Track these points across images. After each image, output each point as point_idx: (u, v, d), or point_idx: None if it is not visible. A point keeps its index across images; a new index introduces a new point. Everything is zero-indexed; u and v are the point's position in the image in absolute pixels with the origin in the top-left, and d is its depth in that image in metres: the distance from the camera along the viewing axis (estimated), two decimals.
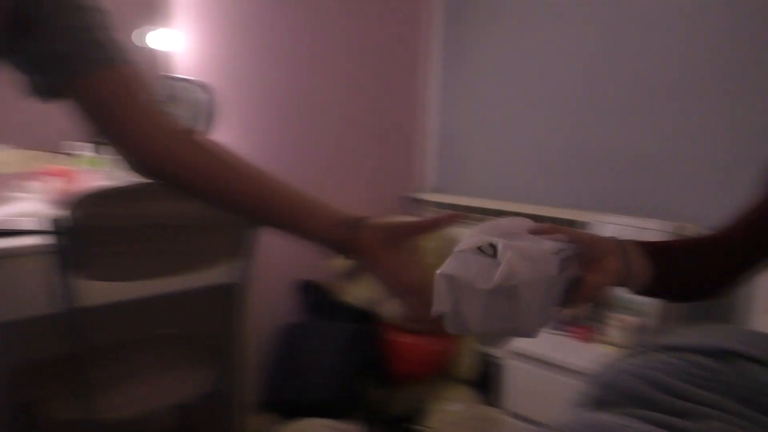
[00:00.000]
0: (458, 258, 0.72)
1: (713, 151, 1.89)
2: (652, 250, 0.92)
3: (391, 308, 2.23)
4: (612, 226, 2.00)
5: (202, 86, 1.92)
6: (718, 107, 1.87)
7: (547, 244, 0.75)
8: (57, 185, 1.66)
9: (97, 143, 1.76)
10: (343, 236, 0.83)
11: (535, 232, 0.79)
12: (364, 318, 2.21)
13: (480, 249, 0.72)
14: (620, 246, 0.87)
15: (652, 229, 1.91)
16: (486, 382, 2.24)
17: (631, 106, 2.06)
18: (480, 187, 2.52)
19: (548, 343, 1.94)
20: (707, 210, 1.90)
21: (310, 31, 2.31)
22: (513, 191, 2.40)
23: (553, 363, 1.83)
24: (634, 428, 0.89)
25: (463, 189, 2.58)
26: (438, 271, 0.71)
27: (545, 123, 2.29)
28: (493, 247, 0.71)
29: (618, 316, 1.85)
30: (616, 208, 2.08)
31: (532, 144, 2.34)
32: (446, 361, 2.33)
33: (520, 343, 1.97)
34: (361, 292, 2.29)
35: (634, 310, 1.90)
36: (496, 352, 2.29)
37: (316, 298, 2.34)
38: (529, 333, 0.74)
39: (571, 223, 2.15)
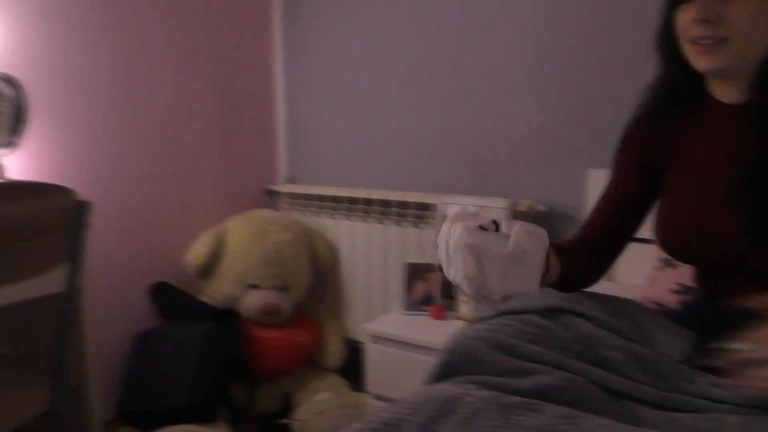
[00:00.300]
0: (472, 233, 0.84)
1: (542, 132, 2.04)
2: (557, 251, 1.03)
3: (248, 304, 2.19)
4: (456, 206, 2.11)
5: (7, 80, 1.73)
6: (545, 90, 2.02)
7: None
8: None
9: None
10: None
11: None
12: (222, 317, 2.16)
13: (482, 227, 0.85)
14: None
15: (492, 207, 2.03)
16: (352, 368, 2.28)
17: (470, 91, 2.16)
18: (331, 176, 2.54)
19: (404, 324, 2.02)
20: (538, 187, 2.05)
21: (145, 24, 2.17)
22: (363, 178, 2.44)
23: (410, 343, 1.91)
24: (471, 395, 0.96)
25: (315, 179, 2.59)
26: (464, 242, 0.83)
27: (390, 110, 2.35)
28: (496, 224, 0.86)
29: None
30: (459, 189, 2.19)
31: (378, 131, 2.39)
32: (311, 352, 2.35)
33: (377, 326, 2.02)
34: (217, 290, 2.23)
35: None
36: (358, 336, 2.34)
37: (170, 300, 2.24)
38: (534, 290, 0.87)
39: (421, 205, 2.23)
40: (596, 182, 1.85)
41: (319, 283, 2.48)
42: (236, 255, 2.23)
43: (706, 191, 0.99)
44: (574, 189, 1.96)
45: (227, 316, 2.17)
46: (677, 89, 1.03)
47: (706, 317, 1.02)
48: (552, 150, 2.03)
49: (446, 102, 2.22)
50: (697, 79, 1.01)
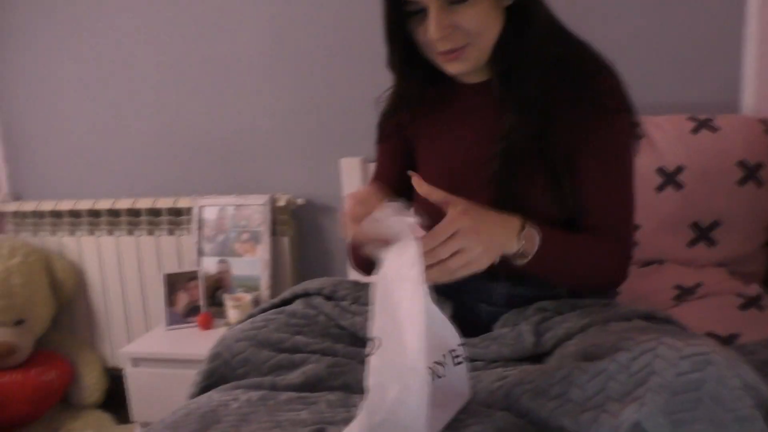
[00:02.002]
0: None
1: (294, 125, 2.02)
2: None
3: None
4: (213, 208, 2.00)
5: None
6: (293, 83, 2.00)
7: None
8: None
9: None
10: None
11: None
12: None
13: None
14: None
15: (251, 205, 1.96)
16: (117, 399, 2.04)
17: (217, 86, 2.06)
18: (66, 188, 2.23)
19: (169, 341, 1.86)
20: (295, 180, 2.04)
21: None
22: (105, 187, 2.19)
23: (177, 359, 1.76)
24: (238, 400, 0.90)
25: (46, 193, 2.25)
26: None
27: (129, 110, 2.14)
28: None
29: (232, 296, 1.87)
30: (215, 190, 2.08)
31: (117, 134, 2.16)
32: (64, 390, 2.05)
33: (138, 348, 1.83)
34: None
35: (247, 286, 1.94)
36: (120, 363, 2.11)
37: None
38: None
39: (174, 211, 2.07)
40: (349, 171, 1.88)
41: (63, 310, 2.17)
42: None
43: (460, 165, 1.05)
44: (329, 179, 1.98)
45: None
46: (418, 85, 1.08)
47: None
48: (305, 142, 2.02)
49: (192, 99, 2.09)
50: (433, 72, 1.05)
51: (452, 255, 0.77)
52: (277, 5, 1.96)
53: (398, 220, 0.78)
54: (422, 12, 0.94)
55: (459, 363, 0.82)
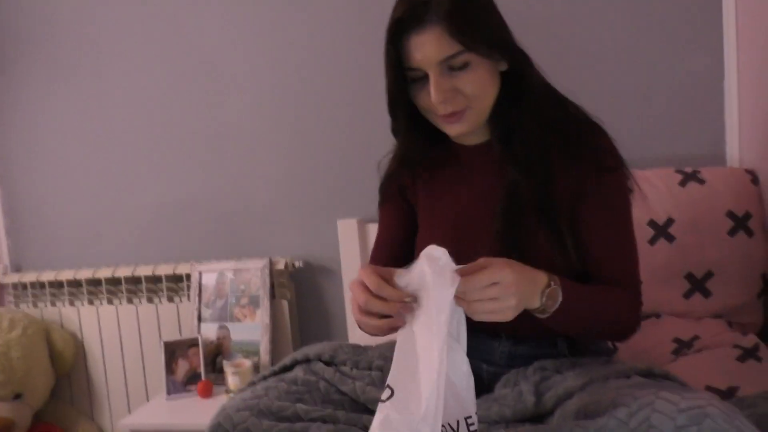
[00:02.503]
0: None
1: (290, 189, 2.05)
2: None
3: None
4: (211, 273, 2.01)
5: None
6: (290, 147, 2.04)
7: None
8: None
9: None
10: None
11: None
12: None
13: None
14: None
15: (250, 269, 1.98)
16: None
17: (213, 152, 2.10)
18: (66, 257, 2.24)
19: (168, 411, 1.84)
20: (293, 243, 2.06)
21: None
22: (104, 256, 2.20)
23: (177, 430, 1.73)
24: None
25: (46, 263, 2.26)
26: None
27: (127, 179, 2.18)
28: None
29: (232, 362, 1.86)
30: (214, 255, 2.10)
31: (116, 203, 2.19)
32: None
33: (137, 419, 1.81)
34: None
35: (247, 351, 1.93)
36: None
37: None
38: None
39: (174, 277, 2.08)
40: (347, 232, 1.91)
41: (62, 381, 2.16)
42: None
43: (463, 225, 1.08)
44: (326, 241, 1.99)
45: None
46: (421, 148, 1.12)
47: None
48: (302, 205, 2.05)
49: (190, 166, 2.13)
50: (435, 135, 1.09)
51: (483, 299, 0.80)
52: (274, 71, 2.03)
53: (435, 264, 0.78)
54: (424, 78, 0.98)
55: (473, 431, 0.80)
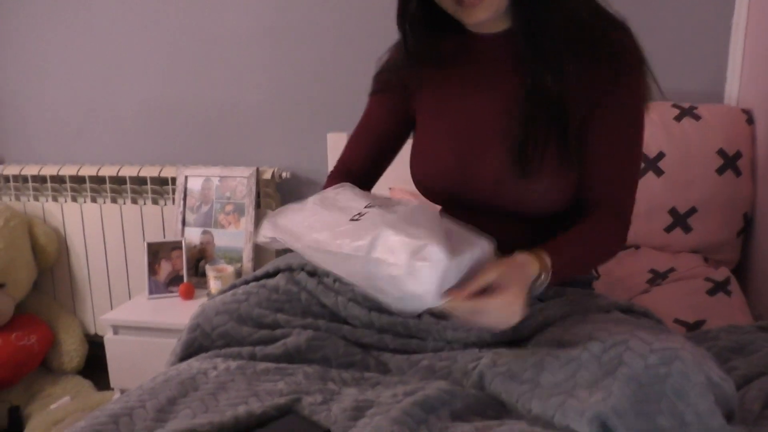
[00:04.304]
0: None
1: (281, 98, 2.01)
2: None
3: None
4: (198, 178, 1.99)
5: None
6: (282, 56, 1.99)
7: None
8: None
9: None
10: None
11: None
12: None
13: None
14: None
15: (236, 177, 1.96)
16: (96, 366, 2.05)
17: (205, 57, 2.04)
18: (50, 153, 2.21)
19: (150, 309, 1.87)
20: (281, 154, 2.04)
21: None
22: (90, 154, 2.17)
23: (158, 328, 1.77)
24: (217, 369, 0.91)
25: (29, 157, 2.23)
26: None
27: (115, 76, 2.12)
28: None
29: (215, 267, 1.88)
30: (200, 160, 2.07)
31: (104, 100, 2.14)
32: (43, 355, 2.05)
33: (119, 315, 1.84)
34: None
35: (230, 258, 1.95)
36: (100, 330, 2.12)
37: None
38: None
39: (159, 180, 2.06)
40: (336, 145, 1.88)
41: (45, 275, 2.17)
42: None
43: (471, 129, 1.00)
44: (315, 154, 1.98)
45: None
46: (430, 40, 1.02)
47: None
48: (292, 116, 2.02)
49: (180, 70, 2.07)
50: (447, 26, 1.00)
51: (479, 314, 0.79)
52: None
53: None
54: None
55: None
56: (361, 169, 1.13)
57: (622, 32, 0.97)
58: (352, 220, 0.82)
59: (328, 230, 0.82)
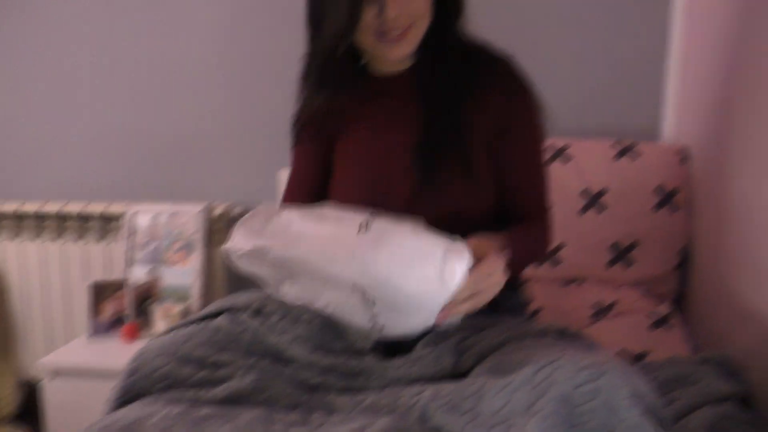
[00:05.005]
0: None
1: (233, 133, 2.00)
2: None
3: None
4: (146, 215, 1.95)
5: None
6: (234, 90, 1.98)
7: None
8: None
9: None
10: None
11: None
12: None
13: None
14: None
15: (186, 213, 1.93)
16: (33, 413, 1.95)
17: (155, 90, 2.02)
18: None
19: (91, 352, 1.80)
20: (232, 189, 2.02)
21: None
22: (32, 189, 2.11)
23: (98, 371, 1.70)
24: (158, 415, 0.88)
25: None
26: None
27: (61, 108, 2.07)
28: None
29: (162, 306, 1.83)
30: (150, 196, 2.04)
31: (48, 133, 2.09)
32: None
33: (57, 358, 1.77)
34: None
35: (177, 296, 1.91)
36: (37, 376, 2.02)
37: None
38: None
39: (106, 217, 2.01)
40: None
41: None
42: None
43: (376, 161, 1.09)
44: (267, 190, 1.97)
45: None
46: (346, 84, 1.11)
47: None
48: (243, 151, 2.01)
49: (129, 101, 2.04)
50: (352, 63, 1.10)
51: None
52: (219, 11, 1.95)
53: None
54: None
55: None
56: None
57: (506, 61, 1.09)
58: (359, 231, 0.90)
59: (336, 239, 0.90)
